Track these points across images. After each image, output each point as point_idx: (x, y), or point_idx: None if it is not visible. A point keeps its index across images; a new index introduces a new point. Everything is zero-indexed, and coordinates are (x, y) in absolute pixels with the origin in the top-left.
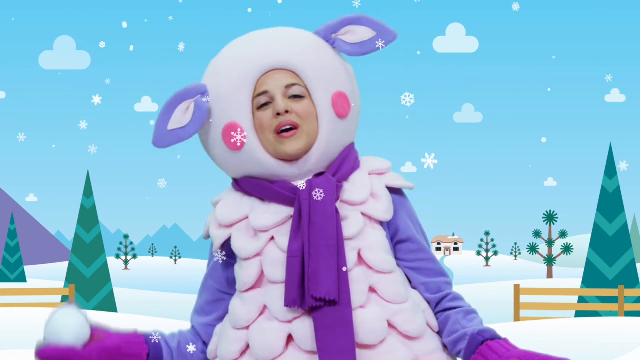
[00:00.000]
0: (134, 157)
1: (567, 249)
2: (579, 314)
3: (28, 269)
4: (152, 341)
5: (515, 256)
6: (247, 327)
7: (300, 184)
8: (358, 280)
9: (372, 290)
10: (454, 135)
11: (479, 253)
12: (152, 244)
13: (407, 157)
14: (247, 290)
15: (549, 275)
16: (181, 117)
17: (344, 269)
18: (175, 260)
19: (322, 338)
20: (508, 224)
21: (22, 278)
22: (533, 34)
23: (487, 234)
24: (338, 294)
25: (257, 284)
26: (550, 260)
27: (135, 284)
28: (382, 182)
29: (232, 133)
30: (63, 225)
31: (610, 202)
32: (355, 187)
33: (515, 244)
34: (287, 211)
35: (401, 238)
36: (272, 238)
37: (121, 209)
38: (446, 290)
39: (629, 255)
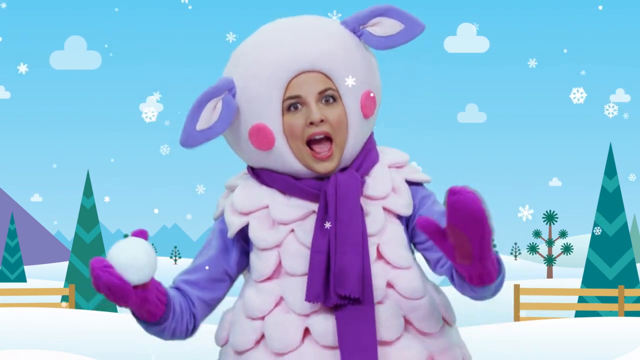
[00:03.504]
0: (135, 157)
1: (567, 249)
2: (579, 314)
3: (28, 269)
4: (168, 304)
5: (515, 256)
6: (263, 318)
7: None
8: (377, 276)
9: (389, 285)
10: (457, 135)
11: None
12: (152, 244)
13: (412, 157)
14: (263, 281)
15: (549, 275)
16: (209, 116)
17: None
18: (175, 260)
19: (344, 335)
20: (508, 224)
21: (22, 278)
22: (544, 34)
23: None
24: (362, 291)
25: (274, 275)
26: (550, 260)
27: None
28: (401, 176)
29: (260, 135)
30: (63, 225)
31: (610, 202)
32: (376, 182)
33: (515, 244)
34: (310, 206)
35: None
36: (292, 230)
37: (121, 209)
38: None
39: (629, 255)
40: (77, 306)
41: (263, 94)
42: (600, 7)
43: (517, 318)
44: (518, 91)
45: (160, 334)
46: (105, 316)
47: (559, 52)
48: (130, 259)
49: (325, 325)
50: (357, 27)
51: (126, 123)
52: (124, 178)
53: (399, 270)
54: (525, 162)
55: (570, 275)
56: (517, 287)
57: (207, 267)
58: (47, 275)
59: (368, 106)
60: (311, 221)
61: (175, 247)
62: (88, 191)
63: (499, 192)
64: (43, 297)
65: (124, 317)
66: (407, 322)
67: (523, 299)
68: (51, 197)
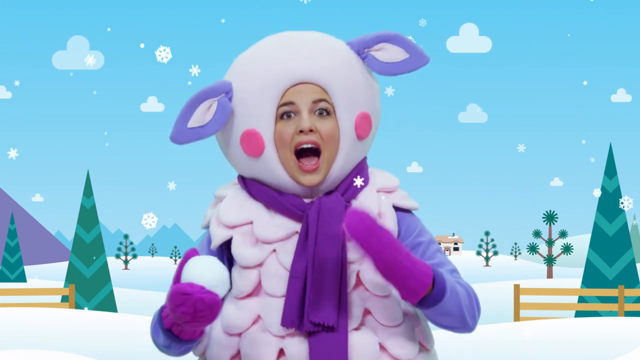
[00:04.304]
0: (136, 157)
1: (567, 249)
2: (579, 314)
3: (28, 269)
4: None
5: (515, 256)
6: (240, 334)
7: (309, 201)
8: (354, 304)
9: (367, 312)
10: (458, 135)
11: (479, 253)
12: (152, 244)
13: (413, 157)
14: (242, 298)
15: (549, 275)
16: (202, 115)
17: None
18: (175, 260)
19: None
20: (508, 224)
21: (22, 278)
22: (547, 34)
23: (487, 234)
24: (337, 320)
25: (254, 292)
26: (550, 260)
27: (135, 284)
28: (389, 201)
29: (252, 140)
30: (63, 225)
31: (610, 202)
32: (362, 206)
33: (515, 244)
34: (293, 226)
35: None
36: (274, 250)
37: (121, 209)
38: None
39: (629, 255)
40: (77, 306)
41: (258, 100)
42: None
43: (517, 318)
44: (519, 91)
45: (186, 351)
46: (105, 316)
47: (561, 51)
48: (218, 274)
49: (299, 349)
50: (361, 49)
51: (127, 123)
52: (124, 178)
53: (378, 297)
54: (527, 163)
55: (570, 275)
56: (517, 287)
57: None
58: (47, 275)
59: (362, 127)
60: (294, 242)
61: (175, 247)
62: (88, 191)
63: (500, 192)
64: (43, 297)
65: (124, 317)
66: (383, 348)
67: (523, 299)
68: (54, 197)
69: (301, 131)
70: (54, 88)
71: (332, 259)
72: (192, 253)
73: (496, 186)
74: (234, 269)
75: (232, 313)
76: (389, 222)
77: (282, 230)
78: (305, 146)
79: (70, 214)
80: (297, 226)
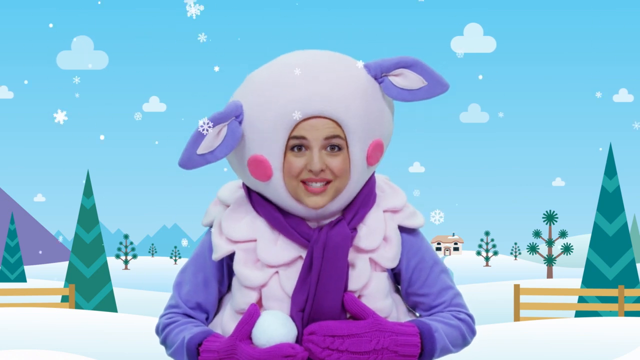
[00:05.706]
0: (136, 157)
1: (567, 249)
2: (579, 314)
3: (28, 269)
4: None
5: (515, 256)
6: None
7: (314, 224)
8: None
9: None
10: (460, 135)
11: (479, 253)
12: (152, 244)
13: (415, 157)
14: (242, 313)
15: (549, 275)
16: (212, 140)
17: None
18: (175, 260)
19: None
20: (508, 224)
21: (22, 278)
22: (550, 33)
23: (487, 234)
24: None
25: None
26: (550, 260)
27: (135, 284)
28: (394, 222)
29: (259, 167)
30: (63, 225)
31: (610, 202)
32: (369, 232)
33: (515, 244)
34: (297, 251)
35: (403, 277)
36: (277, 272)
37: (121, 209)
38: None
39: (629, 255)
40: (77, 306)
41: (269, 129)
42: None
43: (517, 318)
44: (520, 91)
45: None
46: (105, 316)
47: (563, 52)
48: (294, 327)
49: None
50: (379, 74)
51: (128, 123)
52: (124, 178)
53: None
54: (529, 162)
55: (570, 275)
56: (517, 287)
57: (203, 291)
58: (47, 275)
59: (374, 156)
60: (297, 267)
61: (175, 247)
62: (88, 191)
63: (501, 192)
64: (43, 297)
65: (124, 317)
66: None
67: (523, 299)
68: (55, 197)
69: (311, 171)
70: (58, 88)
71: (335, 295)
72: (256, 311)
73: (497, 186)
74: (234, 282)
75: (232, 327)
76: (393, 248)
77: (285, 254)
78: (314, 184)
79: (70, 214)
80: (301, 251)
